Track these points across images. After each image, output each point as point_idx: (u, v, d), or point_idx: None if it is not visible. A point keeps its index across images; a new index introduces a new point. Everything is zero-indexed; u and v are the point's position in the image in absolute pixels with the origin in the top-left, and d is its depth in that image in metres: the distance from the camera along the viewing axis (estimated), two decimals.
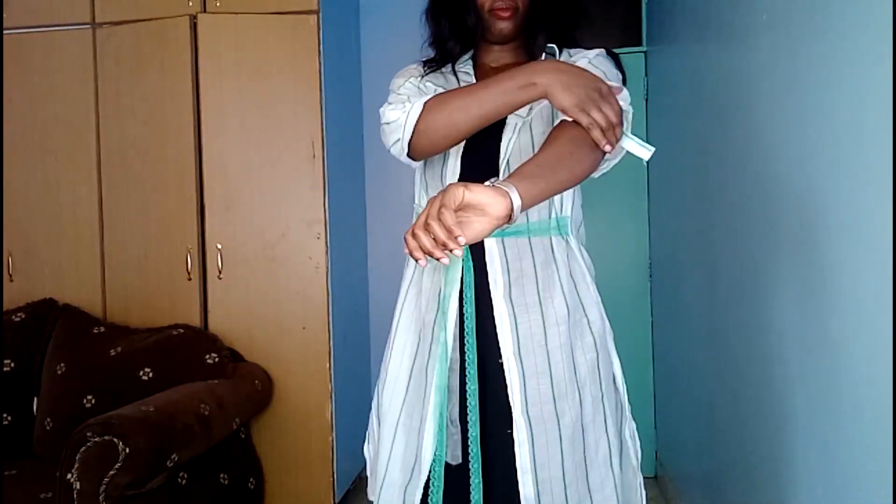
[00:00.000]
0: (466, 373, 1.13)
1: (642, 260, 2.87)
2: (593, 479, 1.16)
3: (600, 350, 1.19)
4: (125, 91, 2.37)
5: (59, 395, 2.12)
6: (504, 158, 1.15)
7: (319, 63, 2.30)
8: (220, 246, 2.33)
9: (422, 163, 1.26)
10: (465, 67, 1.28)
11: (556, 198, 1.18)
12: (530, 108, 1.17)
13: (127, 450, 1.61)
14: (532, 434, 1.12)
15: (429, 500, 1.12)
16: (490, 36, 1.23)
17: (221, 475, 2.04)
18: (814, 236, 1.21)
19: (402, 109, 1.14)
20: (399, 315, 1.27)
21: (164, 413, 1.75)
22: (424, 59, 1.30)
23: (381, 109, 1.21)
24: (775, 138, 1.40)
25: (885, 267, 0.95)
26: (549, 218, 1.17)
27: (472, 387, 1.12)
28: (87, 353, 2.16)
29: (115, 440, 1.61)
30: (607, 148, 0.99)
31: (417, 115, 1.12)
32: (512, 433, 1.12)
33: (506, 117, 1.16)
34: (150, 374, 2.07)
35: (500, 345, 1.12)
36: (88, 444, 1.62)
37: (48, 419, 2.10)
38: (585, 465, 1.15)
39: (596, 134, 0.97)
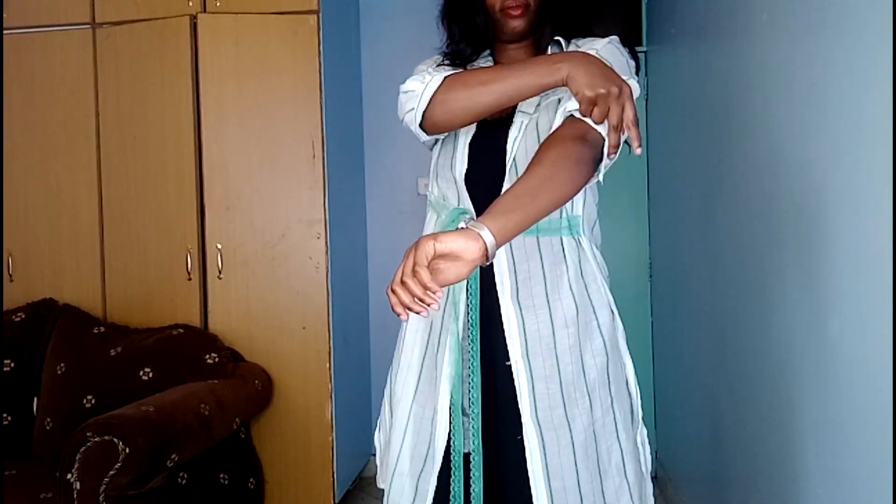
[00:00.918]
0: (470, 365, 1.13)
1: (642, 260, 2.87)
2: (608, 490, 1.14)
3: (610, 353, 1.17)
4: (125, 91, 2.37)
5: (59, 395, 2.12)
6: (511, 156, 1.14)
7: (319, 63, 2.30)
8: (220, 246, 2.33)
9: (434, 154, 1.26)
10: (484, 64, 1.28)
11: None
12: (537, 105, 1.16)
13: (127, 450, 1.61)
14: (543, 441, 1.10)
15: (451, 491, 1.12)
16: (503, 35, 1.22)
17: (221, 475, 2.04)
18: (814, 236, 1.21)
19: (421, 80, 1.15)
20: None
21: (164, 413, 1.75)
22: (443, 52, 1.29)
23: (401, 85, 1.20)
24: (775, 138, 1.40)
25: (885, 267, 0.94)
26: (560, 217, 1.15)
27: (475, 379, 1.12)
28: (87, 353, 2.16)
29: (115, 440, 1.61)
30: (611, 153, 0.99)
31: (437, 86, 1.11)
32: (522, 439, 1.10)
33: (512, 115, 1.16)
34: (150, 374, 2.07)
35: (508, 346, 1.11)
36: (88, 444, 1.62)
37: (48, 419, 2.10)
38: (600, 474, 1.13)
39: (601, 129, 0.99)
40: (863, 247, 1.03)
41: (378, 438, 1.34)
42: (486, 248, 0.85)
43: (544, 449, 1.10)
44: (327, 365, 2.32)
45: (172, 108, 2.33)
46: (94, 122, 2.39)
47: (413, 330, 1.23)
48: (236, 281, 2.33)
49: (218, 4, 2.32)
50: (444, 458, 1.15)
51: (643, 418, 1.25)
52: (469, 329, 1.13)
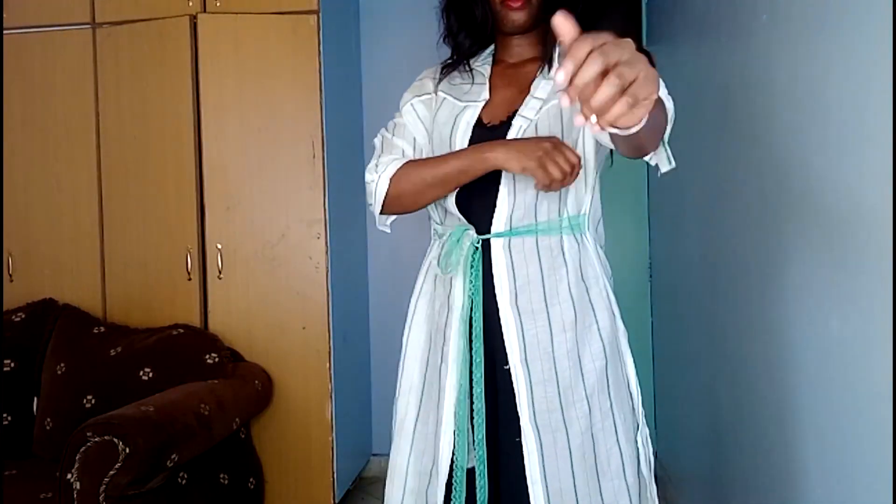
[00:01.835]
0: (473, 375, 1.13)
1: (642, 260, 2.87)
2: (607, 491, 1.13)
3: (610, 357, 1.15)
4: (125, 91, 2.36)
5: (59, 395, 2.12)
6: None
7: (319, 63, 2.30)
8: (220, 246, 2.33)
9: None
10: (483, 66, 1.26)
11: (569, 195, 1.16)
12: (538, 110, 1.14)
13: (127, 450, 1.61)
14: (541, 443, 1.10)
15: None
16: (503, 27, 1.20)
17: (221, 475, 2.04)
18: (814, 235, 1.21)
19: (373, 177, 1.20)
20: (409, 326, 1.26)
21: (164, 413, 1.75)
22: (443, 62, 1.29)
23: (368, 167, 1.23)
24: (775, 137, 1.40)
25: (885, 266, 0.94)
26: (560, 217, 1.15)
27: (478, 389, 1.12)
28: (87, 353, 2.16)
29: (115, 440, 1.61)
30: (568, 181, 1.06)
31: (386, 186, 1.18)
32: (521, 441, 1.11)
33: (511, 119, 1.15)
34: (150, 374, 2.07)
35: (507, 351, 1.12)
36: (88, 444, 1.62)
37: (48, 419, 2.10)
38: (598, 476, 1.13)
39: (554, 186, 1.05)
40: (863, 246, 1.03)
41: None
42: None
43: (542, 451, 1.10)
44: (327, 365, 2.32)
45: (172, 108, 2.33)
46: (94, 122, 2.39)
47: (414, 350, 1.23)
48: (236, 281, 2.33)
49: (218, 4, 2.32)
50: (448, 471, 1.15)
51: (644, 419, 1.24)
52: (472, 340, 1.13)
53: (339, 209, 2.46)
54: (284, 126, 2.31)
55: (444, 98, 1.24)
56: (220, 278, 2.33)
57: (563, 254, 1.14)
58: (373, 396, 2.92)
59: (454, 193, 1.17)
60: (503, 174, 1.14)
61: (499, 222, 1.14)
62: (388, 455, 1.28)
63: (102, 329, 2.25)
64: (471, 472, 1.15)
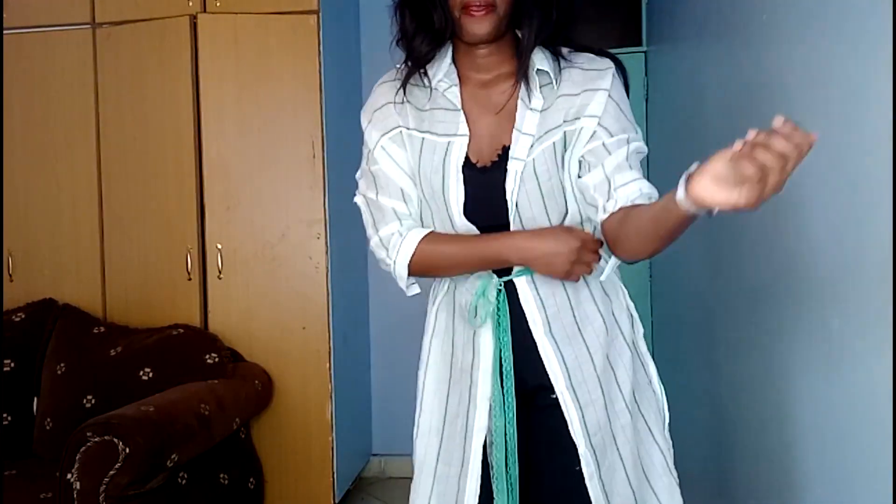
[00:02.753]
0: (505, 416, 1.11)
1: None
2: (661, 491, 1.14)
3: (634, 360, 1.16)
4: (125, 91, 2.36)
5: (59, 395, 2.12)
6: (512, 207, 1.09)
7: (319, 63, 2.30)
8: (220, 246, 2.33)
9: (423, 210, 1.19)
10: (449, 88, 1.12)
11: (585, 220, 1.12)
12: (531, 147, 1.07)
13: (127, 450, 1.61)
14: (598, 464, 1.10)
15: None
16: (465, 38, 1.07)
17: (221, 475, 2.04)
18: (814, 235, 1.21)
19: (382, 255, 1.16)
20: (426, 369, 1.22)
21: (164, 413, 1.75)
22: (398, 67, 1.17)
23: (370, 241, 1.18)
24: None
25: (885, 266, 0.94)
26: (551, 219, 1.12)
27: (511, 430, 1.11)
28: (87, 353, 2.16)
29: (115, 440, 1.61)
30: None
31: (406, 271, 1.13)
32: (580, 469, 1.09)
33: (503, 160, 1.08)
34: (150, 374, 2.07)
35: (552, 380, 1.09)
36: (88, 444, 1.62)
37: (48, 419, 2.10)
38: (647, 478, 1.13)
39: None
40: (863, 246, 1.03)
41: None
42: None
43: (600, 473, 1.10)
44: (327, 365, 2.32)
45: (172, 107, 2.33)
46: (94, 122, 2.39)
47: (432, 391, 1.20)
48: (236, 281, 2.33)
49: (218, 4, 2.31)
50: None
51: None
52: (504, 379, 1.11)
53: (339, 209, 2.46)
54: (284, 126, 2.31)
55: (422, 138, 1.12)
56: (220, 278, 2.33)
57: (583, 277, 1.12)
58: (373, 396, 2.92)
59: (461, 207, 1.12)
60: (510, 219, 1.10)
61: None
62: (388, 455, 1.28)
63: (102, 329, 2.25)
64: None
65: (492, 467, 1.12)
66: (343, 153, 2.57)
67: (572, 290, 1.12)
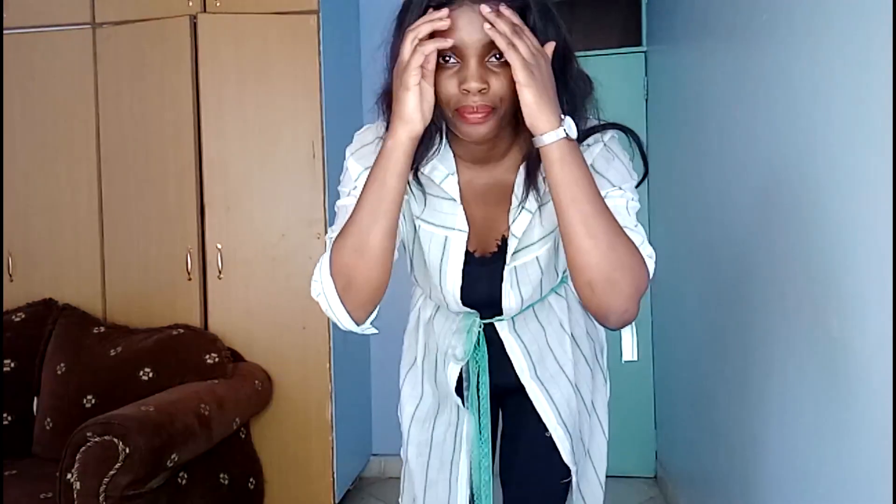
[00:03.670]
0: (480, 449, 1.17)
1: None
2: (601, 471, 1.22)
3: (593, 367, 1.22)
4: (125, 91, 2.37)
5: (59, 395, 2.12)
6: (507, 290, 1.09)
7: (319, 63, 2.30)
8: (220, 246, 2.33)
9: (418, 275, 1.16)
10: (448, 180, 1.01)
11: (551, 267, 1.11)
12: (531, 246, 1.05)
13: (127, 450, 1.61)
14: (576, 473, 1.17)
15: None
16: (460, 136, 0.93)
17: (221, 475, 2.04)
18: (814, 235, 1.21)
19: (315, 285, 1.01)
20: (404, 378, 1.28)
21: (164, 413, 1.75)
22: (378, 124, 1.07)
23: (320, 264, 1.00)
24: (775, 138, 1.40)
25: (885, 266, 0.95)
26: (543, 291, 1.14)
27: (486, 462, 1.16)
28: (87, 353, 2.16)
29: (115, 440, 1.61)
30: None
31: (330, 278, 0.97)
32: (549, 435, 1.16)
33: (505, 257, 1.05)
34: (150, 374, 2.07)
35: (544, 420, 1.15)
36: (88, 444, 1.62)
37: (48, 419, 2.10)
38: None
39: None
40: (863, 246, 1.03)
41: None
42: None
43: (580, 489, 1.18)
44: (327, 365, 2.32)
45: (172, 107, 2.33)
46: (94, 122, 2.39)
47: (411, 410, 1.24)
48: (236, 281, 2.33)
49: (218, 4, 2.32)
50: None
51: (642, 419, 1.29)
52: (481, 419, 1.16)
53: None
54: (284, 126, 2.31)
55: (419, 225, 1.06)
56: (220, 278, 2.33)
57: (553, 309, 1.18)
58: (373, 396, 2.92)
59: (457, 295, 1.09)
60: (510, 295, 1.10)
61: (508, 312, 1.13)
62: (388, 455, 1.30)
63: (102, 329, 2.25)
64: None
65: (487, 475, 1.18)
66: (343, 153, 2.57)
67: (550, 331, 1.17)
